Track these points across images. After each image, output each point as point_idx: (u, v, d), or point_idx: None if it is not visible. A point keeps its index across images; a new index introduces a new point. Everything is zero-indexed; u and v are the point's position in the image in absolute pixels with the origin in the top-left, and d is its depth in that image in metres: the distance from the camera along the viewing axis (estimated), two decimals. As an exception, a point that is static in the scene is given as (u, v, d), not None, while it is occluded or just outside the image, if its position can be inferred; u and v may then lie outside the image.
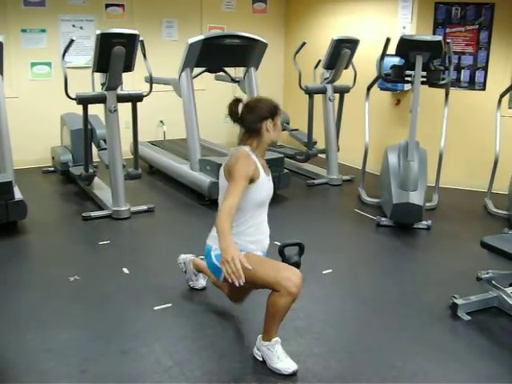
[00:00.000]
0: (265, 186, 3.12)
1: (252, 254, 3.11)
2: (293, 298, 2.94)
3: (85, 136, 5.76)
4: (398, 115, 7.29)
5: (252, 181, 3.02)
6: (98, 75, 5.48)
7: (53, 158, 7.27)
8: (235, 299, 3.59)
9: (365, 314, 3.81)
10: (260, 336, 3.17)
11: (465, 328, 3.60)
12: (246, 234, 3.14)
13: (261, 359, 3.16)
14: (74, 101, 5.39)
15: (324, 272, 4.39)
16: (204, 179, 6.00)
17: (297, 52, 6.85)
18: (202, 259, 3.71)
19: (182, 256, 4.11)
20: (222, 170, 3.12)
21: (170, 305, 3.81)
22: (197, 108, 6.36)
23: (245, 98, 3.38)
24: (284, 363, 3.07)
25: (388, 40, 5.58)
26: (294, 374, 3.04)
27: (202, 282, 4.04)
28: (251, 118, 3.06)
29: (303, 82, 6.87)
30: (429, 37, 5.76)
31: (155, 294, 3.99)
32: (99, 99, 5.49)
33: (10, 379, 3.00)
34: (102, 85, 5.48)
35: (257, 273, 2.91)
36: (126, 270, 4.39)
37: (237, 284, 2.68)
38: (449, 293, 3.87)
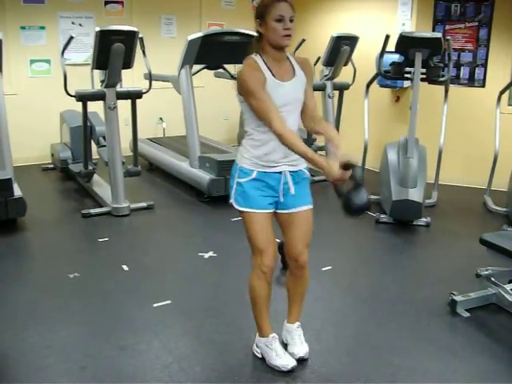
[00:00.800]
0: (275, 91, 2.78)
1: (258, 214, 2.90)
2: (266, 281, 2.98)
3: (84, 133, 5.76)
4: (397, 112, 7.29)
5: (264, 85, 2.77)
6: (97, 72, 5.48)
7: (52, 155, 7.27)
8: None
9: (364, 311, 3.81)
10: (257, 333, 3.18)
11: (464, 325, 3.60)
12: (256, 145, 2.89)
13: (260, 356, 3.16)
14: (74, 98, 5.39)
15: (323, 269, 4.39)
16: (203, 176, 6.00)
17: (296, 49, 6.84)
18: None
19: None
20: (236, 87, 2.83)
21: (169, 302, 3.81)
22: (196, 105, 6.36)
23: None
24: (282, 360, 3.07)
25: (387, 37, 5.57)
26: (292, 371, 3.04)
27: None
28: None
29: (303, 78, 6.86)
30: (428, 34, 5.75)
31: (154, 290, 4.00)
32: (98, 96, 5.49)
33: (10, 376, 3.00)
34: (102, 82, 5.48)
35: (246, 232, 2.95)
36: (125, 267, 4.39)
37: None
38: (448, 290, 3.87)
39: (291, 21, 2.75)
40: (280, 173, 2.92)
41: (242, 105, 2.86)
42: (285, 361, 3.07)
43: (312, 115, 2.97)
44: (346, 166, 2.61)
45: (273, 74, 2.80)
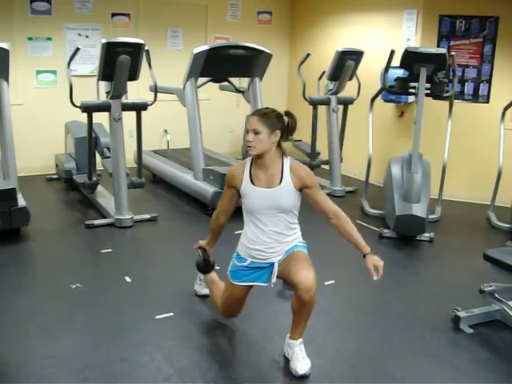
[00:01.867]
0: (249, 195, 3.15)
1: (229, 284, 3.40)
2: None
3: (89, 144, 5.78)
4: (401, 127, 7.30)
5: (237, 188, 3.22)
6: (102, 84, 5.51)
7: (56, 165, 7.28)
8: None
9: (366, 325, 3.79)
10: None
11: (467, 341, 3.58)
12: (245, 236, 3.30)
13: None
14: (79, 109, 5.41)
15: (326, 283, 4.38)
16: (207, 189, 6.01)
17: (301, 63, 6.87)
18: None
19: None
20: None
21: (171, 314, 3.81)
22: (201, 118, 6.38)
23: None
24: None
25: (392, 52, 5.59)
26: (287, 379, 3.09)
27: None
28: None
29: (307, 93, 6.89)
30: (433, 49, 5.77)
31: (157, 302, 3.99)
32: (104, 107, 5.51)
33: (11, 386, 2.99)
34: (107, 93, 5.50)
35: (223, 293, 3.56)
36: (127, 279, 4.39)
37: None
38: (451, 305, 3.86)
39: (256, 133, 3.04)
40: (272, 263, 3.24)
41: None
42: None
43: (333, 216, 3.26)
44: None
45: (251, 180, 3.16)
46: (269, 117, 3.06)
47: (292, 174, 3.12)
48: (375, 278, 3.00)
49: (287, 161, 3.15)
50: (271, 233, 3.17)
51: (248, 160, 3.21)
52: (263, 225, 3.17)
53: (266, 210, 3.13)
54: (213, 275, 3.89)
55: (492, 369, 3.28)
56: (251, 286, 3.35)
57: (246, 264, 3.28)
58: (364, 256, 3.08)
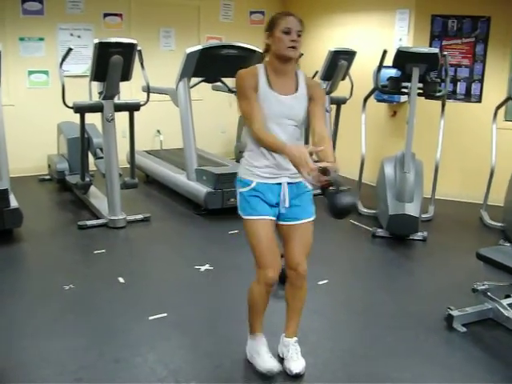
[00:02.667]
0: (266, 100, 2.85)
1: (260, 223, 2.94)
2: (266, 289, 3.01)
3: (81, 145, 5.77)
4: (394, 127, 7.31)
5: (256, 90, 2.86)
6: (95, 84, 5.49)
7: (49, 166, 7.26)
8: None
9: (360, 325, 3.80)
10: (248, 336, 3.22)
11: (460, 340, 3.59)
12: (255, 158, 2.96)
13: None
14: (71, 109, 5.39)
15: (320, 283, 4.38)
16: (200, 189, 6.00)
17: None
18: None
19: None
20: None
21: (165, 314, 3.80)
22: (194, 118, 6.38)
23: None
24: (267, 364, 3.09)
25: (385, 52, 5.61)
26: (280, 379, 3.05)
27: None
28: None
29: (300, 92, 6.88)
30: (425, 49, 5.79)
31: (150, 303, 3.98)
32: (96, 108, 5.49)
33: (4, 388, 2.98)
34: (100, 94, 5.49)
35: (249, 243, 2.98)
36: (121, 280, 4.38)
37: (311, 177, 2.58)
38: (444, 304, 3.87)
39: (298, 35, 2.83)
40: (279, 184, 2.97)
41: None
42: (269, 365, 3.08)
43: (320, 136, 2.95)
44: (323, 172, 2.61)
45: (268, 83, 2.87)
46: (302, 23, 2.88)
47: (306, 83, 2.97)
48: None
49: (300, 71, 3.00)
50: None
51: (259, 66, 2.94)
52: (278, 133, 2.89)
53: (281, 119, 2.89)
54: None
55: (485, 367, 3.29)
56: (271, 222, 3.00)
57: (251, 187, 2.95)
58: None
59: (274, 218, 3.01)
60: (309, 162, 2.56)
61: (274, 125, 2.87)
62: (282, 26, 2.82)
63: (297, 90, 2.92)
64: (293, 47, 2.82)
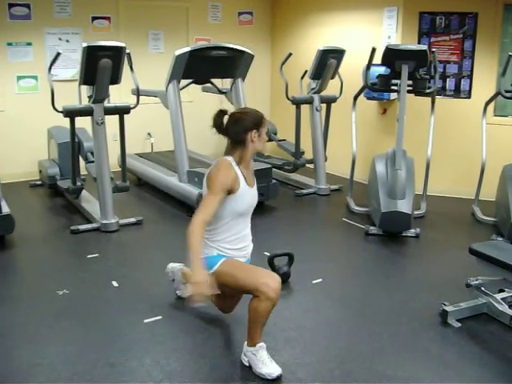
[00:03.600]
0: (245, 197, 3.14)
1: (233, 260, 3.17)
2: (272, 302, 2.99)
3: (72, 149, 5.74)
4: (384, 124, 7.33)
5: (231, 191, 3.06)
6: (84, 88, 5.47)
7: (40, 171, 7.23)
8: (223, 308, 3.61)
9: (355, 322, 3.81)
10: (245, 342, 3.19)
11: (455, 335, 3.61)
12: (227, 242, 3.18)
13: (247, 364, 3.18)
14: (61, 114, 5.38)
15: (314, 281, 4.39)
16: (192, 191, 5.99)
17: (283, 63, 6.88)
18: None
19: (171, 265, 4.09)
20: (204, 178, 3.17)
21: (160, 317, 3.79)
22: (184, 120, 6.37)
23: (232, 109, 3.40)
24: (268, 368, 3.09)
25: (374, 50, 5.62)
26: (277, 379, 3.06)
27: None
28: (236, 128, 3.11)
29: (290, 92, 6.90)
30: (414, 46, 5.81)
31: (145, 306, 3.97)
32: (86, 112, 5.48)
33: (-1, 395, 2.97)
34: (89, 97, 5.47)
35: (237, 279, 3.06)
36: (115, 283, 4.36)
37: (195, 305, 2.92)
38: (439, 300, 3.89)
39: None
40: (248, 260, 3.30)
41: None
42: (270, 369, 3.09)
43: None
44: None
45: (245, 180, 3.14)
46: None
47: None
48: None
49: None
50: (247, 231, 3.27)
51: (233, 163, 3.11)
52: (245, 224, 3.23)
53: (251, 208, 3.23)
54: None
55: (480, 362, 3.31)
56: None
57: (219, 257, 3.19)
58: None
59: None
60: (200, 293, 2.81)
61: (247, 214, 3.22)
62: (266, 127, 3.17)
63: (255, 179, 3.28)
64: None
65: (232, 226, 3.16)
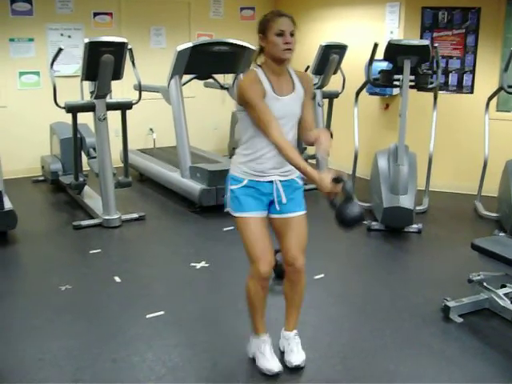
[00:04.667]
0: (272, 103, 2.83)
1: (251, 219, 2.94)
2: (260, 286, 3.01)
3: (74, 145, 5.75)
4: (387, 119, 7.32)
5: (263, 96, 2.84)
6: (86, 84, 5.48)
7: (42, 167, 7.24)
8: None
9: (357, 318, 3.81)
10: (252, 334, 3.21)
11: (457, 330, 3.60)
12: (248, 156, 2.95)
13: (251, 356, 3.20)
14: (63, 110, 5.38)
15: (316, 277, 4.39)
16: (195, 186, 5.99)
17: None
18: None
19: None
20: (235, 96, 2.96)
21: (162, 313, 3.80)
22: (186, 115, 6.36)
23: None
24: (269, 364, 3.09)
25: (376, 45, 5.60)
26: (277, 375, 3.06)
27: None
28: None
29: (292, 87, 6.88)
30: (416, 41, 5.79)
31: (147, 302, 3.98)
32: (88, 107, 5.48)
33: (2, 390, 2.98)
34: (91, 93, 5.47)
35: (244, 241, 2.98)
36: (117, 279, 4.37)
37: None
38: (441, 295, 3.88)
39: (292, 35, 2.84)
40: (271, 182, 2.97)
41: (241, 114, 2.92)
42: (271, 365, 3.08)
43: (310, 128, 3.02)
44: (337, 180, 2.69)
45: (272, 88, 2.87)
46: (294, 21, 2.90)
47: (300, 81, 2.99)
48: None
49: (289, 67, 2.99)
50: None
51: (257, 70, 2.90)
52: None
53: (284, 120, 2.89)
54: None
55: (482, 357, 3.30)
56: (262, 218, 3.02)
57: (243, 184, 2.95)
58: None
59: (265, 214, 3.02)
60: (330, 188, 2.66)
61: (285, 127, 2.89)
62: (275, 28, 2.82)
63: (294, 88, 2.94)
64: (288, 49, 2.82)
65: (254, 137, 2.91)
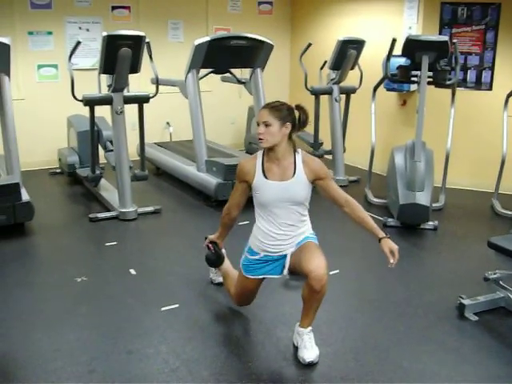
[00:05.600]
0: (262, 189, 3.15)
1: (243, 277, 3.42)
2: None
3: (91, 138, 5.78)
4: (404, 116, 7.28)
5: (249, 182, 3.20)
6: (104, 77, 5.50)
7: (59, 159, 7.29)
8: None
9: (371, 314, 3.80)
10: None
11: (472, 328, 3.59)
12: (260, 233, 3.27)
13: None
14: (81, 102, 5.41)
15: (331, 273, 4.35)
16: (211, 180, 6.01)
17: (303, 53, 6.85)
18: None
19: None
20: None
21: (177, 305, 3.82)
22: (203, 109, 6.37)
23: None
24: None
25: (394, 40, 5.57)
26: (293, 368, 3.12)
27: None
28: None
29: (309, 82, 6.87)
30: (435, 37, 5.75)
31: (162, 294, 4.00)
32: (106, 101, 5.51)
33: (19, 379, 3.01)
34: (109, 86, 5.49)
35: (232, 287, 3.64)
36: (132, 271, 4.40)
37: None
38: (456, 293, 3.87)
39: (267, 125, 3.05)
40: (285, 255, 3.26)
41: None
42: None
43: (345, 203, 3.28)
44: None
45: (264, 173, 3.15)
46: (279, 109, 3.08)
47: (305, 167, 3.14)
48: (392, 261, 3.07)
49: (299, 154, 3.17)
50: (284, 225, 3.19)
51: (259, 153, 3.20)
52: (276, 217, 3.18)
53: (280, 203, 3.15)
54: (225, 266, 3.87)
55: (497, 355, 3.29)
56: (263, 278, 3.39)
57: (258, 257, 3.30)
58: (379, 240, 3.11)
59: (266, 277, 3.38)
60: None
61: (276, 208, 3.16)
62: (257, 119, 3.15)
63: (294, 174, 3.13)
64: (260, 139, 3.08)
65: (261, 216, 3.25)
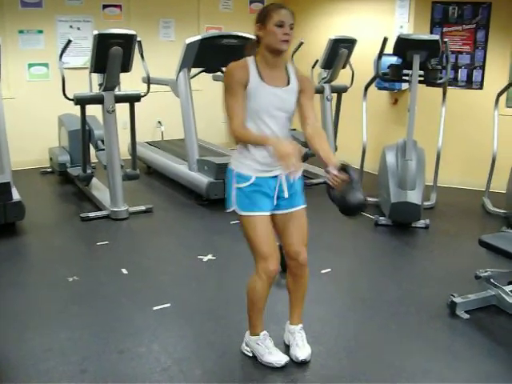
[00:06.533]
0: (258, 93, 2.85)
1: (258, 218, 2.93)
2: (268, 283, 3.01)
3: (83, 137, 5.77)
4: (395, 114, 7.30)
5: (245, 87, 2.86)
6: (95, 76, 5.48)
7: (51, 158, 7.26)
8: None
9: (364, 313, 3.81)
10: (247, 332, 3.21)
11: (463, 326, 3.60)
12: (251, 150, 2.92)
13: (250, 355, 3.19)
14: (72, 101, 5.39)
15: (323, 271, 4.39)
16: (202, 179, 6.00)
17: (294, 52, 6.83)
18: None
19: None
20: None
21: (168, 305, 3.81)
22: (194, 108, 6.37)
23: None
24: (275, 356, 3.10)
25: (385, 39, 5.58)
26: (285, 366, 3.08)
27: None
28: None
29: (301, 81, 6.86)
30: (426, 36, 5.76)
31: (154, 294, 3.99)
32: (97, 100, 5.49)
33: (10, 379, 2.99)
34: (100, 85, 5.48)
35: (250, 241, 2.97)
36: (124, 271, 4.39)
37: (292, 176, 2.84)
38: (447, 291, 3.88)
39: (291, 28, 2.83)
40: (276, 177, 2.97)
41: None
42: (277, 357, 3.10)
43: (314, 128, 3.04)
44: (341, 168, 2.75)
45: (260, 76, 2.87)
46: (293, 14, 2.87)
47: (297, 76, 2.98)
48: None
49: (291, 65, 3.01)
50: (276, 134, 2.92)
51: (249, 59, 2.92)
52: (268, 129, 2.90)
53: (274, 111, 2.89)
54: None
55: (488, 353, 3.30)
56: (269, 216, 3.00)
57: (250, 182, 2.92)
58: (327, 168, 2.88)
59: (271, 211, 3.01)
60: (294, 160, 2.63)
61: (267, 117, 2.89)
62: (275, 19, 2.81)
63: (288, 83, 2.94)
64: (286, 41, 2.82)
65: (253, 128, 2.89)
